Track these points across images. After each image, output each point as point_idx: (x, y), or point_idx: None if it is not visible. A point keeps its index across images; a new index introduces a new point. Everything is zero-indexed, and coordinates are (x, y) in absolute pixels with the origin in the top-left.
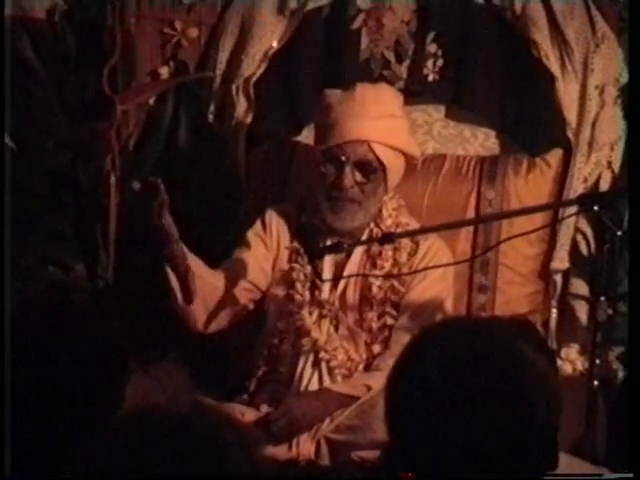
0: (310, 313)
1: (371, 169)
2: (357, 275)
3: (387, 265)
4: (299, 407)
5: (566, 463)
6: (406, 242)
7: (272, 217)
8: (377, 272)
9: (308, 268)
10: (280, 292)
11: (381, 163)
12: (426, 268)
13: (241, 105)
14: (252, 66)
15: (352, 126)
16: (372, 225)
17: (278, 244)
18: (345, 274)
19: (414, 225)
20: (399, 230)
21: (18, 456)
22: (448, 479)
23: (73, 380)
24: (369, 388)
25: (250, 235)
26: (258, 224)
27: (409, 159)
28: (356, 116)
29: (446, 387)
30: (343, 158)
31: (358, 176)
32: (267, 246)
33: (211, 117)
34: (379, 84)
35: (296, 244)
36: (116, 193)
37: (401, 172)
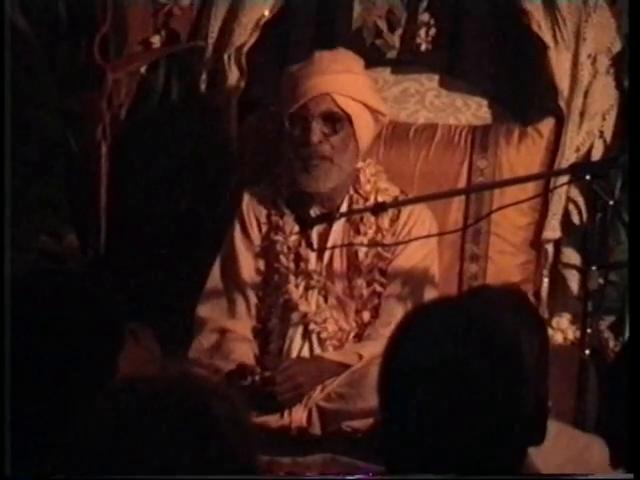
0: (296, 286)
1: (336, 119)
2: (346, 245)
3: (370, 231)
4: (302, 373)
5: (556, 431)
6: None
7: (249, 204)
8: (361, 238)
9: (290, 240)
10: (262, 266)
11: (346, 113)
12: (413, 239)
13: (233, 74)
14: (244, 35)
15: (313, 83)
16: (351, 191)
17: (259, 227)
18: (329, 243)
19: (393, 190)
20: (379, 195)
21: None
22: (437, 450)
23: (66, 350)
24: (361, 356)
25: (236, 240)
26: (237, 226)
27: (376, 114)
28: (315, 73)
29: (439, 360)
30: (308, 114)
31: (325, 129)
32: (251, 239)
33: (203, 86)
34: (337, 49)
35: (276, 218)
36: (107, 162)
37: (371, 127)
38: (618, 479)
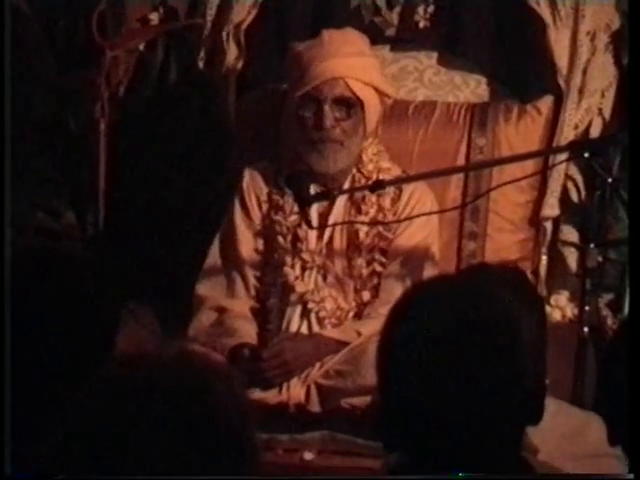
0: (293, 266)
1: (350, 105)
2: (347, 222)
3: (372, 211)
4: (291, 350)
5: (555, 408)
6: (389, 188)
7: (249, 182)
8: (362, 217)
9: (289, 220)
10: (261, 245)
11: (359, 99)
12: (414, 216)
13: (231, 52)
14: (242, 12)
15: (325, 66)
16: (354, 171)
17: (259, 205)
18: (330, 222)
19: (395, 170)
20: (381, 175)
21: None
22: (435, 427)
23: (64, 328)
24: (360, 334)
25: (236, 218)
26: (237, 204)
27: (383, 97)
28: (328, 56)
29: (437, 338)
30: (321, 97)
31: (338, 114)
32: (251, 218)
33: (201, 64)
34: (344, 28)
35: (277, 197)
36: (105, 140)
37: (378, 111)
38: (618, 479)
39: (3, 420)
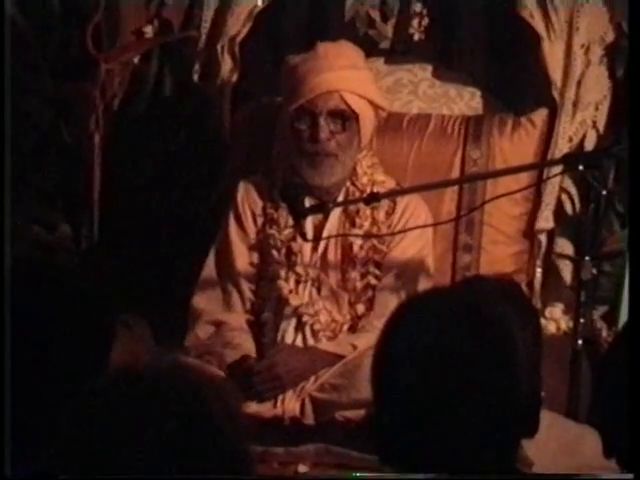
0: (287, 280)
1: (345, 118)
2: (341, 235)
3: (366, 224)
4: (284, 364)
5: (549, 421)
6: (384, 200)
7: (244, 195)
8: (357, 230)
9: (284, 234)
10: (255, 259)
11: (354, 112)
12: (407, 229)
13: (226, 64)
14: (237, 25)
15: (321, 79)
16: (348, 184)
17: (254, 218)
18: (324, 234)
19: (390, 182)
20: (375, 188)
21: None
22: (430, 440)
23: (60, 339)
24: (355, 347)
25: (231, 231)
26: (232, 217)
27: (377, 110)
28: (323, 69)
29: (431, 351)
30: (316, 110)
31: (333, 127)
32: (246, 231)
33: (196, 76)
34: (339, 41)
35: (271, 211)
36: (100, 152)
37: (373, 123)
38: (618, 479)
39: (3, 420)
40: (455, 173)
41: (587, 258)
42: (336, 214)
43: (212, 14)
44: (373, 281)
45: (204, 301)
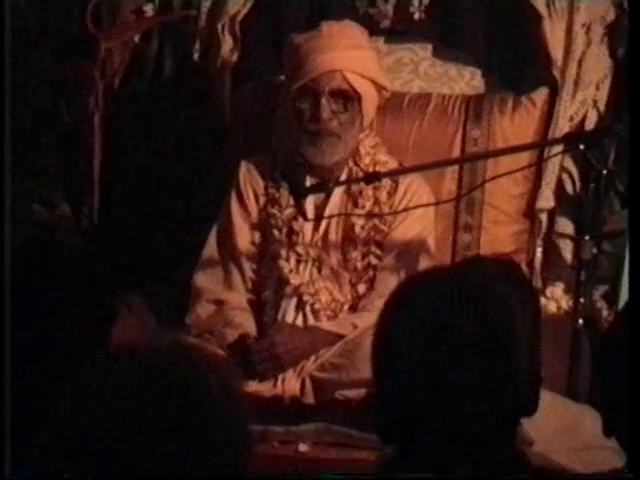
0: (287, 259)
1: (347, 98)
2: (342, 214)
3: (368, 204)
4: (284, 343)
5: (549, 401)
6: (386, 181)
7: (245, 174)
8: (359, 211)
9: (285, 213)
10: (257, 239)
11: (356, 92)
12: (409, 208)
13: (227, 44)
14: (238, 4)
15: (323, 58)
16: (351, 164)
17: (256, 198)
18: (326, 214)
19: (392, 163)
20: (378, 168)
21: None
22: (429, 420)
23: (60, 319)
24: (356, 327)
25: (232, 211)
26: (233, 196)
27: (380, 90)
28: (326, 49)
29: (431, 330)
30: (318, 90)
31: (335, 106)
32: (248, 210)
33: (196, 56)
34: (343, 20)
35: (273, 190)
36: (100, 131)
37: (375, 103)
38: (617, 478)
39: (3, 420)
40: (456, 152)
41: (587, 237)
42: (338, 194)
43: None
44: (374, 261)
45: (205, 280)
